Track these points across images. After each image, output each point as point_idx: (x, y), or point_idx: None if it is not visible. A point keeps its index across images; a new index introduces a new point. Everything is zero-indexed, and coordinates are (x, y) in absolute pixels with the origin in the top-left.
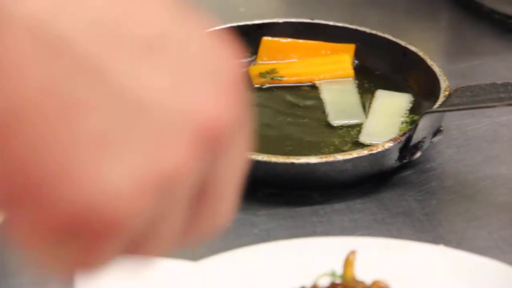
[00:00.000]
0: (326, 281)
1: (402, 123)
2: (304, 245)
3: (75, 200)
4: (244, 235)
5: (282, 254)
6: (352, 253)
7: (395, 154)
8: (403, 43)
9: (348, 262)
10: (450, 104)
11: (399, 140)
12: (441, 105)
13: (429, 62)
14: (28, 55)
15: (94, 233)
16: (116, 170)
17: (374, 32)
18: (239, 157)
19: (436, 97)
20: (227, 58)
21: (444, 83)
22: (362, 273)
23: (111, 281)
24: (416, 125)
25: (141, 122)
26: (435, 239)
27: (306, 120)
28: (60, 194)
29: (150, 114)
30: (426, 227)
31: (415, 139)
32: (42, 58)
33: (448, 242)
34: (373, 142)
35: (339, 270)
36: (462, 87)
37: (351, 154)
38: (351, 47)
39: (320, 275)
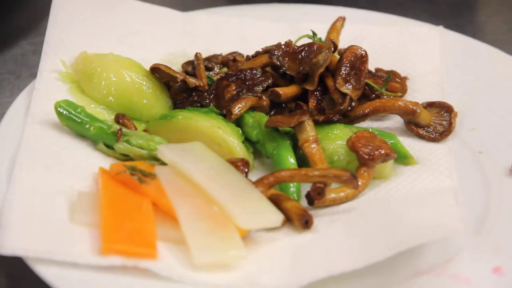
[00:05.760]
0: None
1: None
2: (300, 10)
3: None
4: None
5: (275, 16)
6: (340, 18)
7: None
8: None
9: (333, 27)
10: None
11: None
12: None
13: None
14: None
15: None
16: None
17: None
18: None
19: None
20: None
21: None
22: (352, 42)
23: None
24: None
25: None
26: (450, 27)
27: None
28: None
29: None
30: (445, 14)
31: None
32: None
33: (463, 32)
34: None
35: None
36: None
37: None
38: None
39: (301, 36)
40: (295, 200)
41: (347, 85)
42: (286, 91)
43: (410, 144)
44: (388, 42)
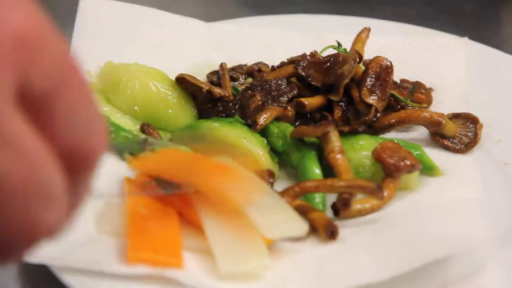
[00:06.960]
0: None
1: None
2: (325, 21)
3: None
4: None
5: (300, 26)
6: (365, 29)
7: None
8: None
9: (358, 38)
10: None
11: None
12: None
13: None
14: None
15: None
16: None
17: None
18: (58, 61)
19: None
20: None
21: None
22: (377, 53)
23: None
24: None
25: None
26: (475, 39)
27: None
28: None
29: None
30: (470, 26)
31: None
32: None
33: (488, 44)
34: None
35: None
36: None
37: None
38: None
39: (326, 47)
40: (321, 210)
41: (372, 96)
42: (312, 101)
43: (435, 155)
44: (413, 52)
